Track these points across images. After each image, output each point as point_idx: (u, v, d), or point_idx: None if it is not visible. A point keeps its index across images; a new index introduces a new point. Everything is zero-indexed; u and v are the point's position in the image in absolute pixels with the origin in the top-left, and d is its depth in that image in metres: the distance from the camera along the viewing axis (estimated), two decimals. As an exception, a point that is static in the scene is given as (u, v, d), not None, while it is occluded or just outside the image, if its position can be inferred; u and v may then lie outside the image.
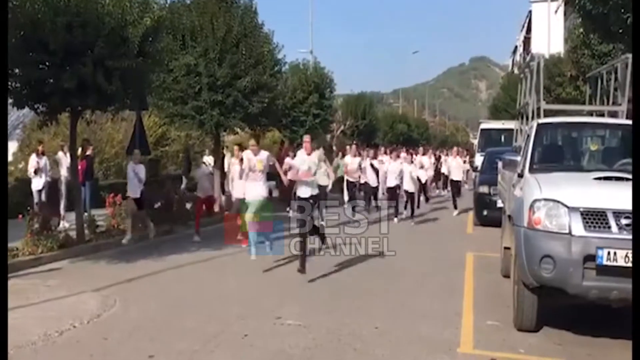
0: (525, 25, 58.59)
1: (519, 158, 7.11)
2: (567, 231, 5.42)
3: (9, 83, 10.30)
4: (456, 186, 17.63)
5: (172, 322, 6.23)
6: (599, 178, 5.92)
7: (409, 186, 14.75)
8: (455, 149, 20.17)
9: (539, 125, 7.16)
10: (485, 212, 14.26)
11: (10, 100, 10.48)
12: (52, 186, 13.50)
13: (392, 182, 15.11)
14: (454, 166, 17.86)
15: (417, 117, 67.76)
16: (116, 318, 6.38)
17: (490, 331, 6.07)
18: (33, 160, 13.44)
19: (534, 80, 8.04)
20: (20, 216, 10.29)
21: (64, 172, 13.39)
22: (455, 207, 16.78)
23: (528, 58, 9.96)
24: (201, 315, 6.46)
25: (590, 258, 5.30)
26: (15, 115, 15.69)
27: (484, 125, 23.30)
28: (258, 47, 16.19)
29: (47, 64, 10.30)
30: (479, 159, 19.42)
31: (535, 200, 5.68)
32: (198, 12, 15.95)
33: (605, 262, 5.24)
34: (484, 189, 14.52)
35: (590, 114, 10.37)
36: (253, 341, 5.61)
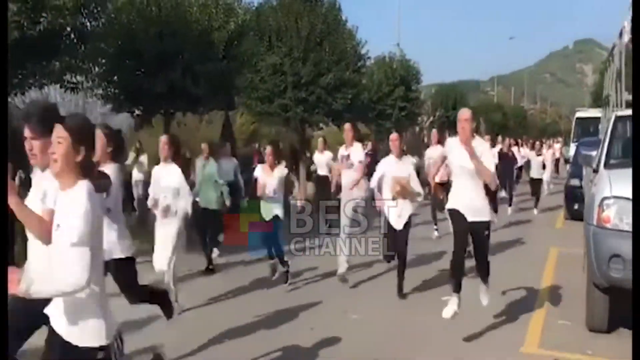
0: (632, 5, 54.75)
1: (594, 153, 6.89)
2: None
3: (110, 90, 11.27)
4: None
5: (235, 315, 6.60)
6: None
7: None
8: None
9: (616, 117, 6.90)
10: (576, 206, 13.66)
11: (109, 106, 11.48)
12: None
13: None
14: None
15: (514, 105, 65.36)
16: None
17: (560, 330, 5.99)
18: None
19: (615, 69, 7.71)
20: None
21: None
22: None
23: (611, 46, 9.48)
24: (269, 308, 6.76)
25: (663, 258, 5.10)
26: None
27: (579, 114, 22.29)
28: (341, 44, 16.51)
29: (142, 70, 11.17)
30: (573, 150, 18.63)
31: (604, 198, 5.54)
32: (283, 12, 16.48)
33: (679, 263, 5.02)
34: (574, 182, 13.91)
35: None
36: (320, 334, 5.89)
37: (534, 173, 15.75)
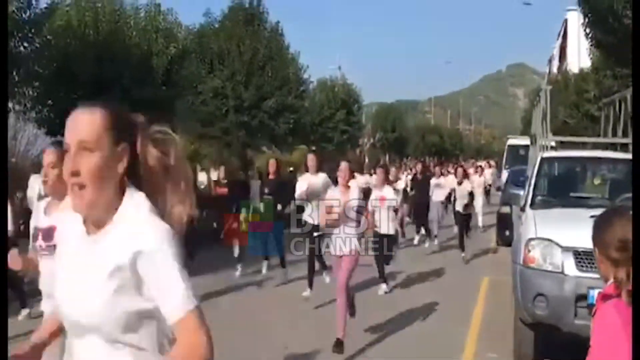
0: (561, 33, 57.73)
1: (521, 192, 7.26)
2: (560, 270, 5.57)
3: (44, 113, 10.96)
4: None
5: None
6: (595, 216, 6.01)
7: None
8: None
9: (542, 159, 7.30)
10: (507, 233, 14.15)
11: (44, 130, 11.16)
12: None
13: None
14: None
15: (450, 128, 67.38)
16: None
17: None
18: None
19: (542, 110, 8.17)
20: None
21: None
22: None
23: (542, 72, 9.90)
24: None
25: (582, 297, 5.43)
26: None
27: (511, 142, 23.17)
28: (283, 69, 16.68)
29: (78, 94, 10.91)
30: (505, 177, 19.32)
31: (530, 239, 5.84)
32: (225, 36, 16.51)
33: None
34: (506, 209, 14.38)
35: (605, 146, 9.98)
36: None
37: (459, 206, 12.58)
